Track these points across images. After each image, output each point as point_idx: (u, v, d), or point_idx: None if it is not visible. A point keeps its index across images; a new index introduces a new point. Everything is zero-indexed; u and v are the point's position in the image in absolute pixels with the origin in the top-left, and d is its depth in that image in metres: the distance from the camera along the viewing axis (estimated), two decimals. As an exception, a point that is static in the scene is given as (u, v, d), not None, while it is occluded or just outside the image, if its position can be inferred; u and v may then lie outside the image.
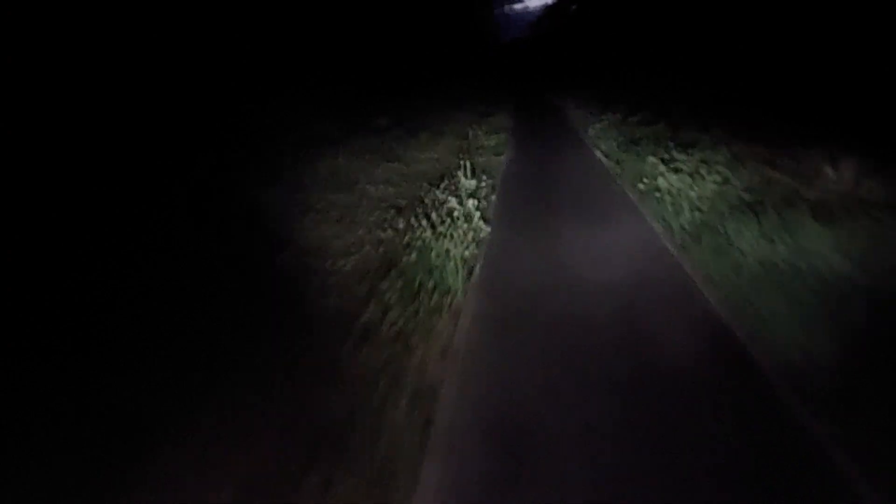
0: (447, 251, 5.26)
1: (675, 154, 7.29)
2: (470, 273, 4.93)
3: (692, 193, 5.94)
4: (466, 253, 5.29)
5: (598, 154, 10.05)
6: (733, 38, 12.40)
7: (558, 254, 5.23)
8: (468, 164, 9.34)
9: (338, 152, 11.86)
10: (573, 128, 14.36)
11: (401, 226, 6.05)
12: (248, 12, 14.03)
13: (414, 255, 5.16)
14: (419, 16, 29.51)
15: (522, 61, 42.88)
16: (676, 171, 6.78)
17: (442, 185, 8.10)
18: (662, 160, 7.34)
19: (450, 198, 6.86)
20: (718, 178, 6.04)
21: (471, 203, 6.59)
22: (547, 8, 41.64)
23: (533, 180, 8.76)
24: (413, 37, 29.49)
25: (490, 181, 8.58)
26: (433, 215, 6.24)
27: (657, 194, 6.48)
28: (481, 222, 6.19)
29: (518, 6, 52.44)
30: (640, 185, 7.04)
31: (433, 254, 5.19)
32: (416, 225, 6.00)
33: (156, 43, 9.32)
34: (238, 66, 12.59)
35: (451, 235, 5.64)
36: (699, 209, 5.61)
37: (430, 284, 4.59)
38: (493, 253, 5.44)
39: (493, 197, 7.66)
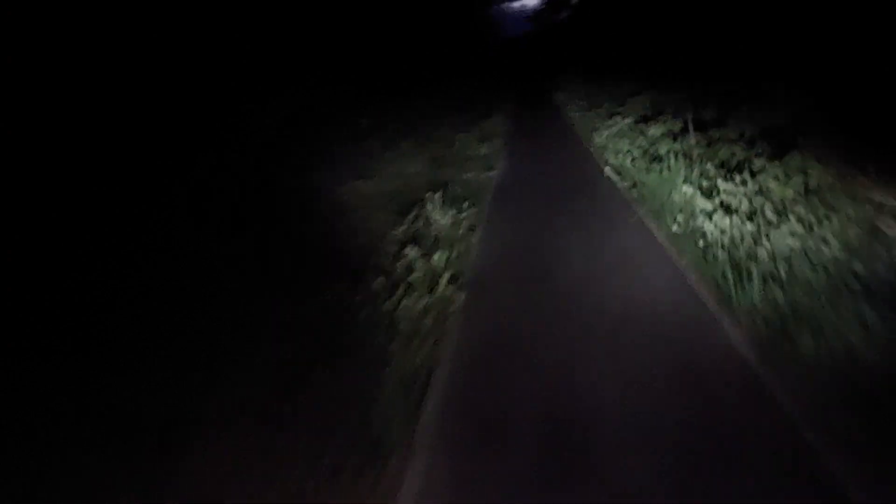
0: (389, 356, 3.34)
1: (720, 182, 5.34)
2: (419, 403, 3.00)
3: (761, 251, 4.00)
4: (418, 359, 3.36)
5: (609, 171, 8.11)
6: (772, 27, 10.40)
7: (567, 359, 3.30)
8: (446, 188, 7.43)
9: (306, 165, 10.00)
10: (576, 133, 12.43)
11: (329, 298, 4.13)
12: (248, 12, 13.36)
13: (332, 370, 3.23)
14: (420, 15, 28.16)
15: (521, 59, 40.72)
16: (727, 208, 4.84)
17: (409, 217, 6.19)
18: (701, 190, 5.40)
19: (410, 249, 4.92)
20: (797, 227, 4.09)
21: (439, 258, 4.66)
22: (545, 4, 39.55)
23: (527, 210, 6.83)
24: (413, 36, 28.10)
25: (473, 211, 6.65)
26: (378, 280, 4.31)
27: (701, 243, 4.56)
28: (451, 289, 4.27)
29: (516, 4, 50.39)
30: (674, 226, 5.12)
31: (365, 361, 3.27)
32: (349, 298, 4.08)
33: (156, 43, 9.05)
34: (238, 66, 12.19)
35: (400, 321, 3.71)
36: (777, 279, 3.68)
37: (351, 429, 2.66)
38: (463, 356, 3.50)
39: (475, 238, 5.73)
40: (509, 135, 13.33)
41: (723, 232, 4.51)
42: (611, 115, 11.89)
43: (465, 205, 6.76)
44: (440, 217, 5.84)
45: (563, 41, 32.78)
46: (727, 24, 10.91)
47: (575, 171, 8.72)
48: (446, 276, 4.39)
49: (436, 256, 4.65)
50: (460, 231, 5.79)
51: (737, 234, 4.41)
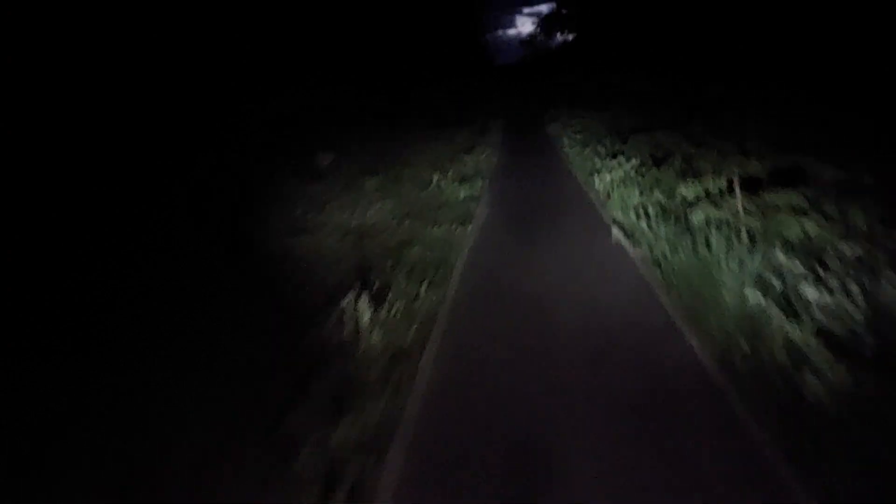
0: None
1: (805, 287, 3.44)
2: None
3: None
4: None
5: (618, 234, 6.23)
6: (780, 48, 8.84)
7: None
8: (403, 256, 5.51)
9: (254, 206, 8.11)
10: (572, 174, 10.64)
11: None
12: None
13: None
14: (415, 44, 27.57)
15: (513, 86, 39.42)
16: (830, 340, 2.92)
17: (333, 314, 4.22)
18: (773, 296, 3.50)
19: (299, 415, 2.89)
20: None
21: (345, 434, 2.64)
22: (539, 30, 38.80)
23: (509, 297, 4.87)
24: (411, 61, 27.31)
25: (430, 300, 4.70)
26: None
27: (790, 401, 2.62)
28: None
29: (511, 31, 50.08)
30: (737, 359, 3.18)
31: None
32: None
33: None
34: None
35: None
36: None
37: None
38: None
39: (425, 359, 3.75)
40: (494, 173, 11.52)
41: (839, 398, 2.57)
42: (613, 155, 10.15)
43: (422, 289, 4.81)
44: (373, 336, 3.83)
45: (558, 68, 31.68)
46: (753, 52, 9.30)
47: (573, 229, 6.85)
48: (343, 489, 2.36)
49: (342, 430, 2.64)
50: (404, 344, 3.81)
51: (868, 409, 2.48)
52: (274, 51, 16.71)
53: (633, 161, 9.19)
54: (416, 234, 6.83)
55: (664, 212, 6.23)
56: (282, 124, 14.64)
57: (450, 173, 10.45)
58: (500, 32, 50.39)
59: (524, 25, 46.53)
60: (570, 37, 30.60)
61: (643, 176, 8.33)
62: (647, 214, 6.38)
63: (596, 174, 9.45)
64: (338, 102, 20.48)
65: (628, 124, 12.11)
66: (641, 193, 7.33)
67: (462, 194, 9.29)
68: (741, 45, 9.03)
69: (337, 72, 21.50)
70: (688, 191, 4.92)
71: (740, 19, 9.16)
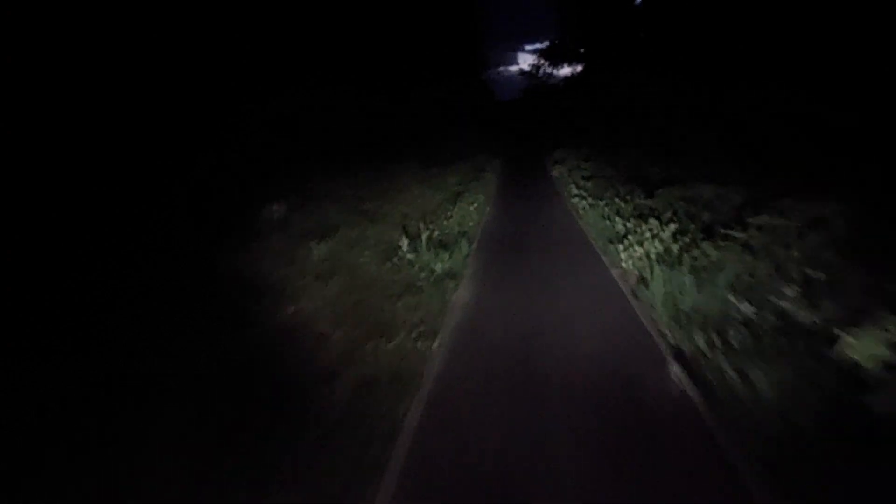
0: None
1: None
2: None
3: None
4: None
5: (680, 372, 3.67)
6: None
7: None
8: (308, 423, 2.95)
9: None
10: (587, 241, 8.16)
11: None
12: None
13: None
14: (417, 74, 26.44)
15: (512, 125, 37.34)
16: None
17: None
18: None
19: None
20: None
21: None
22: (542, 61, 37.39)
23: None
24: (406, 94, 25.98)
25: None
26: None
27: None
28: None
29: (513, 68, 49.24)
30: None
31: None
32: None
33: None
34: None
35: None
36: None
37: None
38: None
39: None
40: (485, 234, 9.07)
41: None
42: (640, 215, 7.70)
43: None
44: None
45: (562, 103, 29.85)
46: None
47: (597, 349, 4.27)
48: None
49: None
50: None
51: None
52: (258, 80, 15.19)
53: (671, 226, 6.74)
54: (348, 358, 4.28)
55: (755, 338, 3.68)
56: (248, 158, 12.45)
57: (426, 235, 7.96)
58: (501, 69, 49.44)
59: (526, 62, 45.49)
60: (579, 68, 28.84)
61: (688, 251, 5.86)
62: (723, 339, 3.84)
63: (620, 243, 6.98)
64: (320, 123, 18.60)
65: (654, 171, 9.73)
66: (700, 288, 4.81)
67: (439, 268, 6.79)
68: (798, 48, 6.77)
69: (326, 93, 19.84)
70: (863, 352, 2.36)
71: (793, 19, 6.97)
